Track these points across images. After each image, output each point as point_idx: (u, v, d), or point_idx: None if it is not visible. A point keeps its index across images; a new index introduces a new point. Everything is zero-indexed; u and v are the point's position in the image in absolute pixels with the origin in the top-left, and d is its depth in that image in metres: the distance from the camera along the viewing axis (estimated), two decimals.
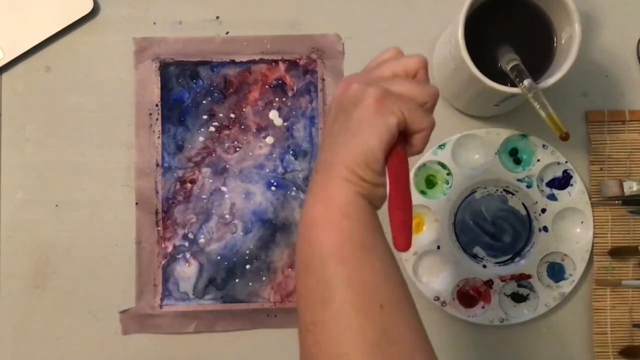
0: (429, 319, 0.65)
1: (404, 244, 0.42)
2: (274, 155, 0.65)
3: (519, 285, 0.65)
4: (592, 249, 0.65)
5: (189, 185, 0.65)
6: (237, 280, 0.65)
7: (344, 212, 0.41)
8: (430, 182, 0.65)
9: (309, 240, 0.42)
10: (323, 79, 0.66)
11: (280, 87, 0.66)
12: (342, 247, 0.40)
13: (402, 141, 0.43)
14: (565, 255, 0.64)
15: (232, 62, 0.66)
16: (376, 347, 0.38)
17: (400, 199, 0.42)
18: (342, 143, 0.42)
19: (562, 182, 0.65)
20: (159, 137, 0.65)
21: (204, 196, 0.65)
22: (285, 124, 0.66)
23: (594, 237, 0.64)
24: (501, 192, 0.65)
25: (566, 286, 0.64)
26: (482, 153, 0.65)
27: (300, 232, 0.43)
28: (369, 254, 0.41)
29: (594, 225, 0.64)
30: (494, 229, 0.65)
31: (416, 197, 0.64)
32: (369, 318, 0.39)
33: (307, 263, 0.41)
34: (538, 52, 0.57)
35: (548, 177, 0.65)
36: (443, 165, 0.65)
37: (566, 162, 0.65)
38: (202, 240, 0.65)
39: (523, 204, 0.65)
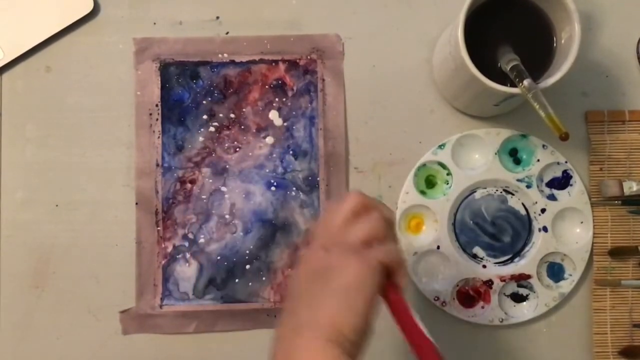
0: (429, 319, 0.65)
1: None
2: (274, 155, 0.65)
3: (519, 285, 0.65)
4: (592, 249, 0.65)
5: (189, 185, 0.65)
6: (237, 280, 0.65)
7: None
8: (430, 182, 0.65)
9: None
10: (323, 79, 0.66)
11: (280, 87, 0.66)
12: None
13: (388, 284, 0.46)
14: (565, 255, 0.64)
15: (232, 62, 0.66)
16: None
17: (417, 343, 0.45)
18: (328, 305, 0.43)
19: (562, 182, 0.65)
20: (159, 137, 0.65)
21: (204, 196, 0.65)
22: (285, 124, 0.66)
23: (593, 237, 0.64)
24: (501, 192, 0.65)
25: (566, 286, 0.64)
26: (482, 153, 0.65)
27: None
28: None
29: (594, 225, 0.64)
30: (493, 229, 0.65)
31: (416, 197, 0.64)
32: None
33: None
34: (538, 52, 0.57)
35: (548, 177, 0.65)
36: (443, 165, 0.65)
37: (566, 162, 0.65)
38: (202, 241, 0.65)
39: (523, 204, 0.65)
